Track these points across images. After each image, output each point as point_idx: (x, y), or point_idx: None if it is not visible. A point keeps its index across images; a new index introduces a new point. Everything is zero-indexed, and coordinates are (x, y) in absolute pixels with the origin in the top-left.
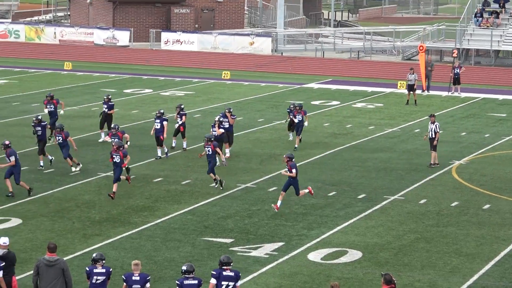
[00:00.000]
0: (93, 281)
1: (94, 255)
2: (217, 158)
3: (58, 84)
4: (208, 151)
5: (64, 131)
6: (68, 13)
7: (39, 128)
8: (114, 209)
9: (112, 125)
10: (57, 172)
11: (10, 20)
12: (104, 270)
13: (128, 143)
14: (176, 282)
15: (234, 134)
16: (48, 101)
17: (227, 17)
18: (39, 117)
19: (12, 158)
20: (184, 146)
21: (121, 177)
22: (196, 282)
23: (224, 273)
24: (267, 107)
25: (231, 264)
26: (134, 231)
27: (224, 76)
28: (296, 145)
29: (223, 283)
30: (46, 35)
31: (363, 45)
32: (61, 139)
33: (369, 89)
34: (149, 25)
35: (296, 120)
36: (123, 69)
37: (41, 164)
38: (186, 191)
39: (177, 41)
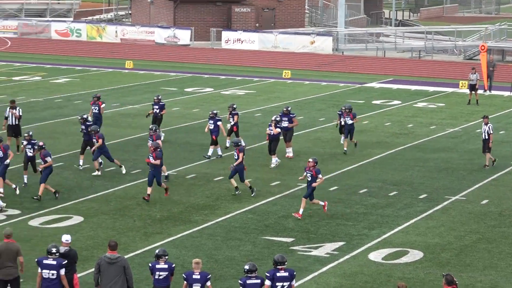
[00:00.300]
0: (156, 276)
1: (157, 251)
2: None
3: (119, 82)
4: (235, 155)
5: (99, 133)
6: (130, 12)
7: (84, 127)
8: (175, 208)
9: (150, 126)
10: (118, 170)
11: (72, 19)
12: (166, 266)
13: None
14: (239, 281)
15: (295, 133)
16: (94, 102)
17: (288, 16)
18: (85, 116)
19: (49, 159)
20: (243, 143)
21: (149, 190)
22: (259, 281)
23: (278, 274)
24: (328, 107)
25: (286, 263)
26: (195, 229)
27: (284, 75)
28: (345, 148)
29: (277, 284)
30: (107, 34)
31: (424, 44)
32: (96, 142)
33: (431, 88)
34: (210, 24)
35: (343, 123)
36: (184, 68)
37: (80, 163)
38: (246, 190)
39: (237, 40)
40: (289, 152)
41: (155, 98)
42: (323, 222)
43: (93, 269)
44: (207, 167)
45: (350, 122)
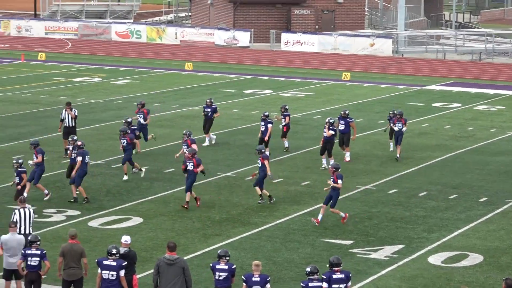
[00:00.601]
0: (216, 277)
1: (219, 251)
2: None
3: (179, 84)
4: (258, 163)
5: (128, 134)
6: (189, 13)
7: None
8: (234, 209)
9: (184, 131)
10: (177, 172)
11: (132, 21)
12: (226, 267)
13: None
14: (301, 284)
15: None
16: (138, 110)
17: (347, 18)
18: (129, 120)
19: (79, 159)
20: (286, 145)
21: (191, 193)
22: (321, 284)
23: (334, 276)
24: (387, 109)
25: (341, 265)
26: (253, 231)
27: (344, 78)
28: (398, 155)
29: (334, 286)
30: (167, 36)
31: (485, 47)
32: (125, 143)
33: (491, 91)
34: (270, 26)
35: (396, 128)
36: (243, 69)
37: (134, 170)
38: (305, 192)
39: (297, 42)
40: (347, 157)
41: (208, 100)
42: (382, 225)
43: (152, 270)
44: None
45: (404, 129)
